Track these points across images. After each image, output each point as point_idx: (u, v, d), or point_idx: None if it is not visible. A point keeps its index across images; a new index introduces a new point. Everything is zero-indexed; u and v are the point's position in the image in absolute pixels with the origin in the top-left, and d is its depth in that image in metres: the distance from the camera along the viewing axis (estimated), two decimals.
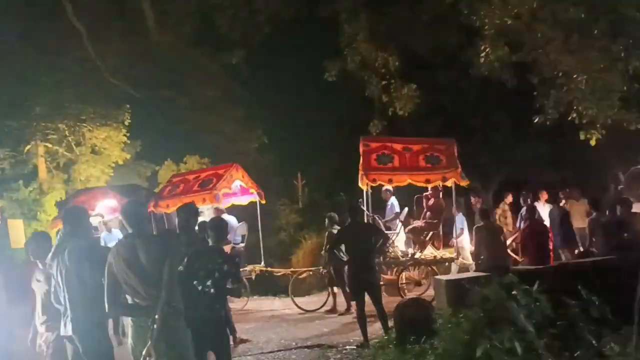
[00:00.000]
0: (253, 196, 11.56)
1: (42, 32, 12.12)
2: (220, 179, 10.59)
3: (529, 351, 4.95)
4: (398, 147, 10.38)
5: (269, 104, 15.14)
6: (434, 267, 10.28)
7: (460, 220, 10.72)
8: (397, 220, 10.95)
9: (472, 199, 12.02)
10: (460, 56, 13.53)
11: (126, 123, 20.50)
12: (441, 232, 10.83)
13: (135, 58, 13.56)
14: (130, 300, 4.10)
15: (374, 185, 10.04)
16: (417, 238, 10.45)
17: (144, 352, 3.91)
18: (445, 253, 10.35)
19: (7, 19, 9.82)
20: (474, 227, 9.07)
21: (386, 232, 9.48)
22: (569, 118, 10.81)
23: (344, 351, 7.45)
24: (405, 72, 13.96)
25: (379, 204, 11.23)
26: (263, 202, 11.50)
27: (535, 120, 11.35)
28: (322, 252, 10.63)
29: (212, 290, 4.68)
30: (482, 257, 8.64)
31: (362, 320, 7.59)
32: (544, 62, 10.42)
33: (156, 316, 3.87)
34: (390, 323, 7.17)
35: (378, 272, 8.46)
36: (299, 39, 13.81)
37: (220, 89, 14.36)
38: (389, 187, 10.69)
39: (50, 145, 20.85)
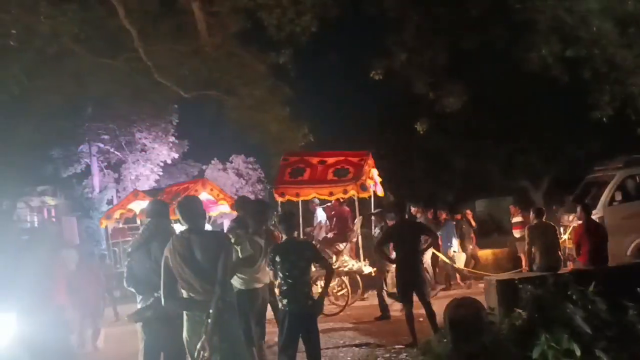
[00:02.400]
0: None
1: (95, 34, 12.47)
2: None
3: (586, 353, 4.81)
4: (314, 160, 10.92)
5: (314, 103, 15.23)
6: (358, 278, 10.35)
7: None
8: (323, 231, 11.03)
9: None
10: (511, 52, 13.25)
11: (174, 123, 21.05)
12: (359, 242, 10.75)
13: (184, 58, 13.82)
14: (185, 295, 4.16)
15: (282, 199, 10.47)
16: (329, 248, 10.33)
17: (198, 346, 3.95)
18: (362, 265, 10.23)
19: (62, 22, 10.13)
20: (527, 227, 8.87)
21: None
22: (625, 114, 10.47)
23: (392, 350, 7.38)
24: (453, 68, 13.77)
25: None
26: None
27: (591, 117, 11.00)
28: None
29: (302, 280, 5.17)
30: (535, 256, 8.43)
31: (410, 319, 7.52)
32: (600, 57, 10.09)
33: (210, 311, 3.92)
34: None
35: (424, 271, 8.34)
36: (344, 37, 13.86)
37: (266, 89, 14.46)
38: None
39: (102, 145, 21.58)
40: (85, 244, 17.73)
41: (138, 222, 14.28)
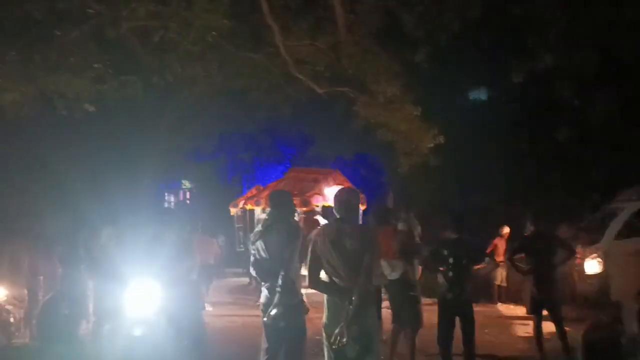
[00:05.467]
0: None
1: (239, 29, 13.02)
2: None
3: None
4: (300, 175, 14.30)
5: (448, 104, 14.84)
6: None
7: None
8: None
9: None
10: None
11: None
12: None
13: (321, 54, 14.04)
14: (327, 279, 4.34)
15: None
16: None
17: (336, 331, 4.08)
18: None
19: (214, 16, 10.70)
20: None
21: None
22: None
23: None
24: (603, 75, 12.81)
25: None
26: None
27: None
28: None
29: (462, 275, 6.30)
30: None
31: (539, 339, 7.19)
32: None
33: (353, 298, 4.06)
34: None
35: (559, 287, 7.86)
36: (486, 38, 13.32)
37: (399, 87, 14.31)
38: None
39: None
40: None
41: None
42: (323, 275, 4.35)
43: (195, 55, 11.49)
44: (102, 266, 6.92)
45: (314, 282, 4.36)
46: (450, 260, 6.37)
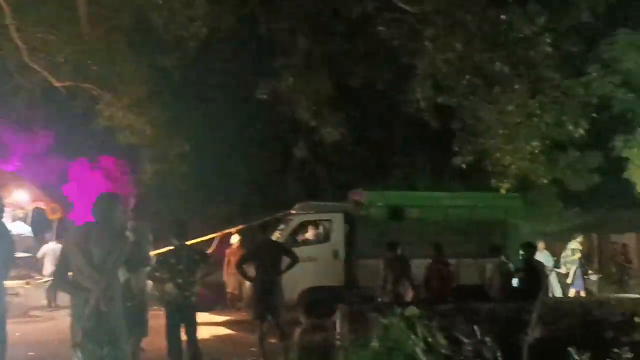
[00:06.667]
0: None
1: None
2: None
3: None
4: None
5: (196, 113, 14.83)
6: None
7: None
8: None
9: None
10: (391, 93, 13.90)
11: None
12: None
13: (62, 45, 12.87)
14: (72, 280, 4.34)
15: None
16: None
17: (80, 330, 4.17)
18: None
19: None
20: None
21: None
22: (483, 165, 11.36)
23: None
24: (336, 100, 14.15)
25: None
26: None
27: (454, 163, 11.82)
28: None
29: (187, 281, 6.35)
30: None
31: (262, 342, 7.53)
32: (467, 108, 10.89)
33: (92, 300, 4.15)
34: None
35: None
36: (235, 51, 13.69)
37: (147, 90, 13.86)
38: None
39: None
40: None
41: None
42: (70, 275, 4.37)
43: None
44: None
45: (59, 282, 4.50)
46: (177, 267, 6.39)
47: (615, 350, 5.16)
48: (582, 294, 12.87)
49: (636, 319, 6.61)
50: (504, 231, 11.91)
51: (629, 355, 5.11)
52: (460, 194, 13.31)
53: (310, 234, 11.95)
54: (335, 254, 11.68)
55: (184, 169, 15.59)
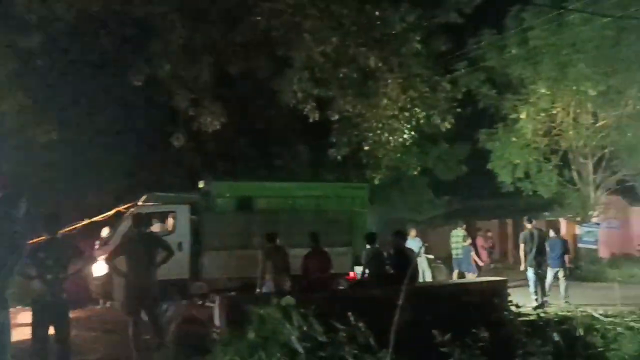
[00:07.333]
0: None
1: None
2: None
3: None
4: None
5: (66, 99, 13.86)
6: None
7: None
8: None
9: None
10: (271, 84, 13.86)
11: None
12: None
13: None
14: None
15: None
16: None
17: None
18: None
19: None
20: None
21: None
22: (358, 157, 11.75)
23: None
24: (215, 89, 13.89)
25: None
26: None
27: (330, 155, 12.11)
28: None
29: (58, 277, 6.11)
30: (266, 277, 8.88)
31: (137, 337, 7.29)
32: (343, 101, 11.18)
33: None
34: None
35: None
36: (108, 35, 12.92)
37: (6, 71, 12.71)
38: None
39: None
40: None
41: None
42: None
43: None
44: None
45: None
46: (46, 262, 6.03)
47: (473, 330, 5.58)
48: (474, 276, 13.76)
49: (495, 300, 7.20)
50: (350, 220, 12.35)
51: (485, 334, 5.54)
52: (308, 184, 13.67)
53: (155, 226, 11.60)
54: (180, 247, 11.36)
55: (52, 157, 14.62)
